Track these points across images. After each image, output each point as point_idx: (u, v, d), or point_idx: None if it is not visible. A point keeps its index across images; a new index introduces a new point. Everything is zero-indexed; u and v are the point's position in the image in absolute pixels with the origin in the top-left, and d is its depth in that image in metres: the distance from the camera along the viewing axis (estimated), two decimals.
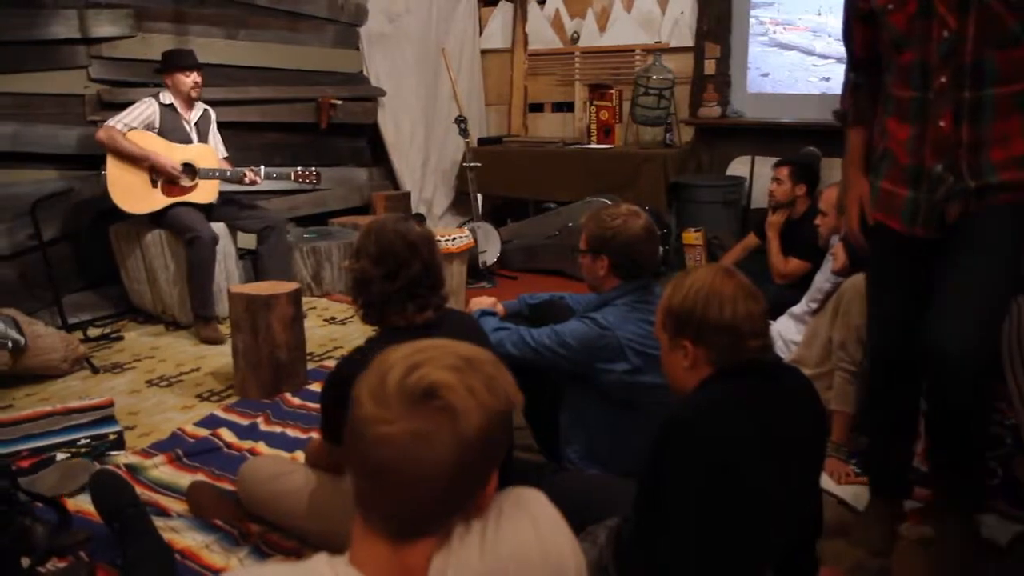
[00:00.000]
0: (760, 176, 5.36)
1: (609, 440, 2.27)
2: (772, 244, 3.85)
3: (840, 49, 4.25)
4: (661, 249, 4.58)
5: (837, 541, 2.20)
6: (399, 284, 1.90)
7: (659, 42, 6.00)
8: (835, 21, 5.25)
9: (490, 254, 5.44)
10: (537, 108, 6.80)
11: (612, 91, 6.00)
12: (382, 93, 5.94)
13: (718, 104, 5.72)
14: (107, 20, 4.37)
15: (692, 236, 5.08)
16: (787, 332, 3.16)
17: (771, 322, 3.19)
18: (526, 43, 6.71)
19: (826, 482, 2.48)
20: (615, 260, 2.28)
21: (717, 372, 1.56)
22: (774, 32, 5.61)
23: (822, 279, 3.06)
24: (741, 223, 5.32)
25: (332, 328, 4.32)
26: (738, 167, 5.66)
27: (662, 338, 1.66)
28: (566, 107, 6.65)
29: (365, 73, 5.93)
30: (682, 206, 5.39)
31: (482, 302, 2.70)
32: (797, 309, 3.18)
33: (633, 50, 6.16)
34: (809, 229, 3.35)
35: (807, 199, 3.85)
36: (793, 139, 5.13)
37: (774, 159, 4.20)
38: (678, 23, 5.91)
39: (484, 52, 6.88)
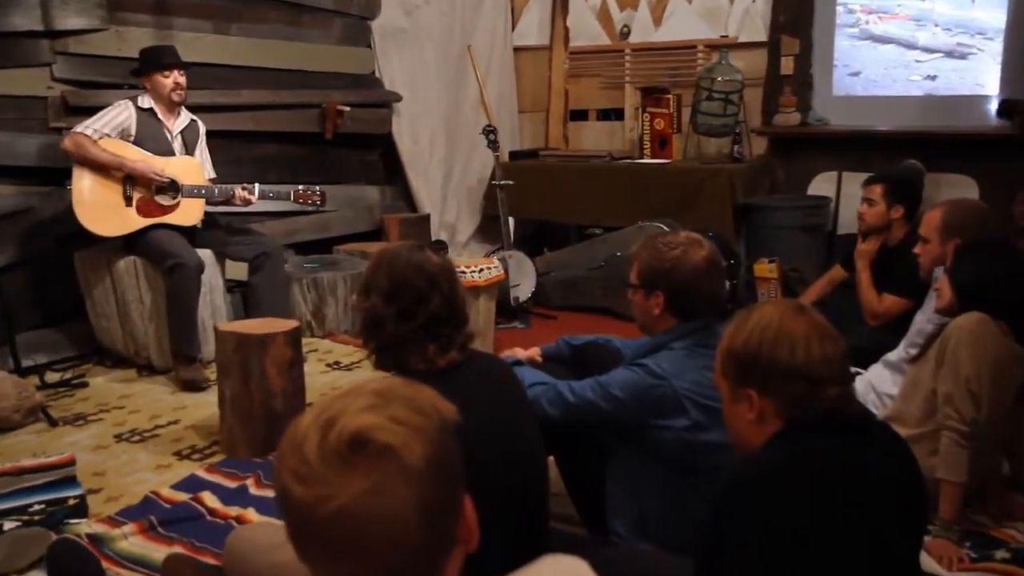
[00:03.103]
0: (848, 196, 5.35)
1: (664, 511, 2.26)
2: (863, 277, 3.83)
3: (950, 41, 4.25)
4: (727, 284, 4.58)
5: None
6: (417, 323, 1.93)
7: (726, 37, 6.05)
8: (943, 7, 5.25)
9: (524, 288, 5.47)
10: (580, 116, 6.87)
11: (669, 96, 6.04)
12: (398, 98, 6.04)
13: (797, 110, 5.74)
14: (75, 10, 4.47)
15: (765, 268, 5.05)
16: (881, 383, 3.12)
17: (861, 371, 3.19)
18: (567, 39, 6.79)
19: (931, 566, 2.44)
20: (672, 297, 2.29)
21: (788, 426, 1.56)
22: (866, 22, 5.63)
23: (923, 320, 3.03)
24: (825, 252, 5.30)
25: (336, 374, 4.35)
26: (821, 185, 5.64)
27: (723, 387, 1.66)
28: (614, 115, 6.70)
29: (378, 75, 6.04)
30: (753, 232, 5.38)
31: (514, 353, 2.72)
32: (893, 356, 3.15)
33: (694, 47, 6.20)
34: (908, 259, 3.33)
35: (906, 223, 3.83)
36: (889, 151, 5.12)
37: (865, 175, 4.19)
38: (749, 14, 5.96)
39: (517, 50, 6.98)
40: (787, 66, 5.80)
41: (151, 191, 4.20)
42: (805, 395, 1.55)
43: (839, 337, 1.60)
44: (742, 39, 5.98)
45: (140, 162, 4.14)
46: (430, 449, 0.99)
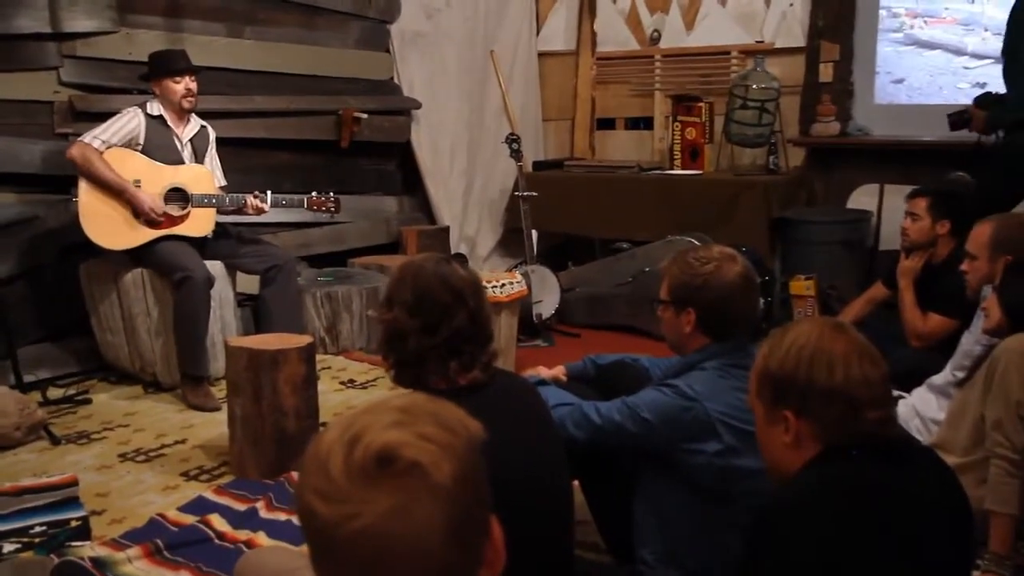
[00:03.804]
0: (891, 210, 5.32)
1: (695, 539, 2.26)
2: (906, 296, 3.81)
3: (999, 47, 4.25)
4: (761, 302, 4.57)
5: None
6: (440, 339, 1.95)
7: (761, 42, 6.05)
8: (993, 11, 5.22)
9: (547, 305, 5.47)
10: (607, 124, 6.88)
11: (701, 104, 6.04)
12: (417, 105, 6.07)
13: (836, 119, 5.72)
14: (83, 12, 4.52)
15: (802, 285, 5.03)
16: (926, 408, 3.11)
17: (904, 395, 3.18)
18: (594, 44, 6.81)
19: None
20: (704, 314, 2.29)
21: (826, 451, 1.56)
22: (911, 26, 5.62)
23: (971, 341, 3.02)
24: (866, 269, 5.27)
25: (350, 393, 4.37)
26: (862, 199, 5.63)
27: (757, 409, 1.67)
28: (643, 123, 6.71)
29: (397, 80, 6.08)
30: (789, 248, 5.36)
31: (538, 372, 2.72)
32: (939, 379, 3.13)
33: (728, 52, 6.21)
34: (954, 277, 3.32)
35: (952, 239, 3.81)
36: (935, 163, 5.09)
37: (909, 188, 4.18)
38: (786, 18, 5.96)
39: (542, 55, 7.01)
40: (826, 73, 5.79)
41: (160, 201, 4.22)
42: (844, 418, 1.55)
43: (880, 358, 1.60)
44: (779, 44, 5.98)
45: (144, 198, 4.15)
46: (458, 467, 1.00)
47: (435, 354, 1.96)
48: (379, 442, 0.99)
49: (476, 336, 1.98)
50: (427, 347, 1.96)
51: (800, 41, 5.89)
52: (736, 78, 5.80)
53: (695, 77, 6.37)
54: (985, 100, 4.48)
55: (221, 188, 4.48)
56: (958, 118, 4.60)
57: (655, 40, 6.57)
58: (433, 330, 1.95)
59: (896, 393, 2.78)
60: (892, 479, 1.53)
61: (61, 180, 4.37)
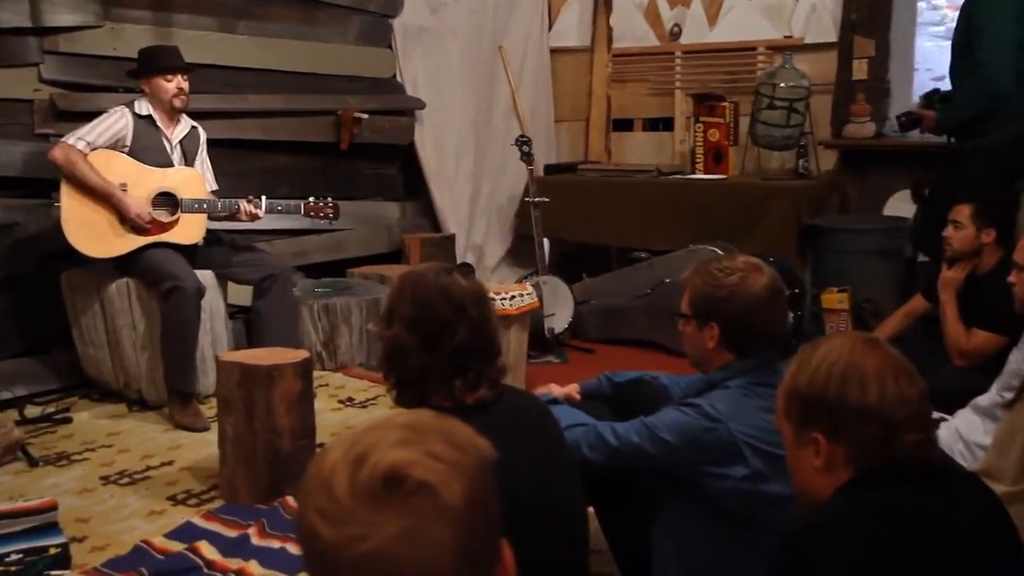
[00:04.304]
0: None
1: (718, 570, 2.25)
2: (948, 310, 3.80)
3: None
4: (790, 316, 4.55)
5: None
6: (442, 355, 1.95)
7: (790, 37, 6.06)
8: None
9: (559, 318, 5.47)
10: (624, 126, 6.90)
11: (725, 103, 6.05)
12: (421, 105, 6.10)
13: (871, 119, 5.72)
14: (66, 5, 4.54)
15: (835, 298, 5.03)
16: (971, 431, 3.09)
17: (947, 417, 3.16)
18: (610, 40, 6.83)
19: None
20: (728, 329, 2.29)
21: (860, 476, 1.55)
22: (952, 20, 5.60)
23: (1020, 359, 3.00)
24: (904, 281, 5.26)
25: (348, 412, 4.37)
26: (899, 205, 5.61)
27: (785, 430, 1.66)
28: (663, 124, 6.72)
29: (399, 78, 6.10)
30: (821, 258, 5.36)
31: (550, 390, 2.72)
32: (984, 400, 3.11)
33: (754, 48, 6.22)
34: (1000, 290, 3.30)
35: (998, 248, 3.80)
36: None
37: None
38: (816, 11, 5.97)
39: (555, 52, 7.03)
40: (860, 70, 5.79)
41: (148, 206, 4.24)
42: (879, 440, 1.54)
43: (917, 376, 1.59)
44: (808, 40, 5.99)
45: (132, 203, 4.15)
46: (469, 487, 1.00)
47: (438, 372, 1.96)
48: (387, 461, 0.99)
49: (481, 352, 1.98)
50: (429, 365, 1.96)
51: (832, 36, 5.90)
52: (763, 76, 5.80)
53: (718, 75, 6.37)
54: (932, 99, 4.55)
55: (212, 192, 4.50)
56: (907, 119, 4.69)
57: (675, 35, 6.58)
58: (434, 346, 1.95)
59: (937, 415, 2.76)
60: (930, 504, 1.52)
61: (42, 183, 4.39)
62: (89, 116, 4.28)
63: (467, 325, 1.97)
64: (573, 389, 2.76)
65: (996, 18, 4.24)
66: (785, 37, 6.08)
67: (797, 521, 1.50)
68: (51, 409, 4.28)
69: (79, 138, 4.14)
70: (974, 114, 4.35)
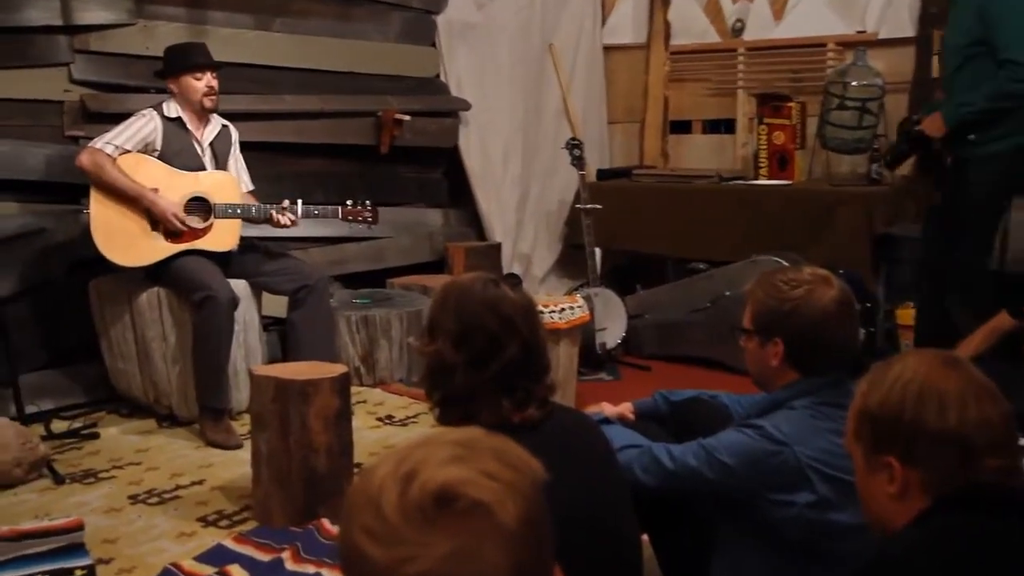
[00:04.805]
0: (1020, 225, 5.23)
1: None
2: None
3: None
4: (861, 331, 4.50)
5: None
6: (490, 373, 1.96)
7: (863, 32, 6.01)
8: None
9: (612, 333, 5.47)
10: (683, 128, 6.88)
11: (791, 104, 6.01)
12: (466, 106, 6.14)
13: None
14: (98, 2, 4.61)
15: (910, 314, 4.98)
16: None
17: None
18: (668, 37, 6.82)
19: None
20: (793, 345, 2.28)
21: (938, 504, 1.54)
22: None
23: None
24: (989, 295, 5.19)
25: (387, 430, 4.40)
26: None
27: (856, 454, 1.65)
28: (724, 127, 6.69)
29: (443, 78, 6.15)
30: (895, 269, 5.31)
31: (602, 409, 2.72)
32: None
33: (824, 44, 6.17)
34: None
35: None
36: None
37: None
38: (892, 4, 5.90)
39: (608, 49, 7.04)
40: (940, 67, 5.73)
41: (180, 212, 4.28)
42: (958, 466, 1.53)
43: (1002, 398, 1.57)
44: (883, 35, 5.93)
45: (164, 203, 4.21)
46: (525, 508, 1.02)
47: (485, 390, 1.97)
48: (438, 479, 1.01)
49: (530, 369, 1.99)
50: (475, 383, 1.97)
51: (909, 30, 5.83)
52: (833, 74, 5.76)
53: (784, 73, 6.34)
54: (908, 128, 4.57)
55: (249, 193, 4.55)
56: (907, 144, 4.66)
57: (738, 31, 6.55)
58: (481, 363, 1.96)
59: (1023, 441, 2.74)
60: (1014, 536, 1.51)
61: (70, 188, 4.45)
62: (120, 118, 4.34)
63: (516, 341, 1.97)
64: (626, 408, 2.77)
65: (1018, 11, 4.17)
66: (858, 32, 6.03)
67: (867, 555, 1.49)
68: (78, 424, 4.33)
69: (107, 142, 4.19)
70: (995, 106, 4.26)
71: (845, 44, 6.05)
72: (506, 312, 1.99)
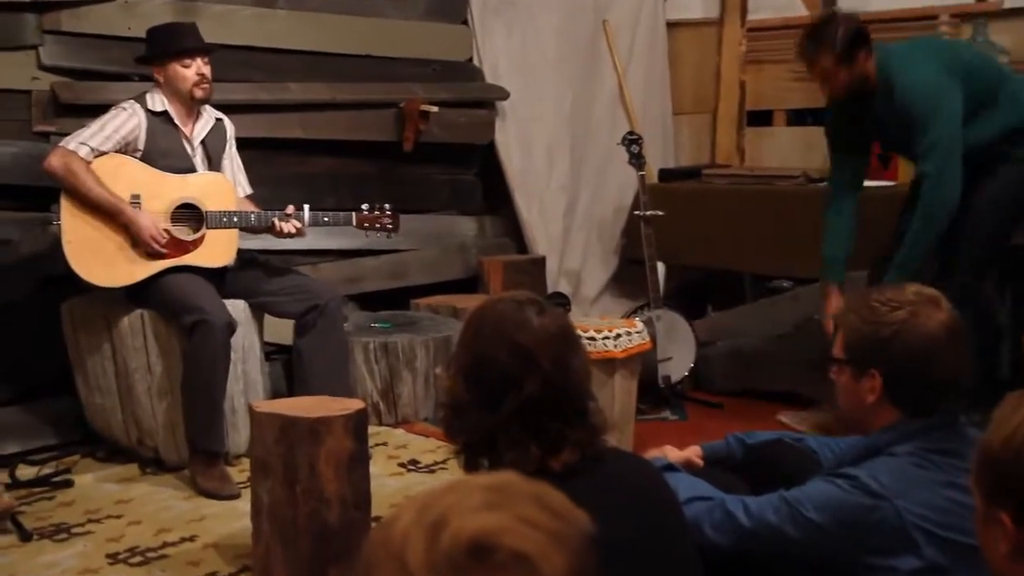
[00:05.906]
0: None
1: None
2: None
3: None
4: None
5: None
6: (505, 414, 1.96)
7: (983, 1, 5.97)
8: None
9: (678, 364, 5.46)
10: (762, 119, 6.87)
11: None
12: (504, 95, 6.14)
13: None
14: None
15: None
16: None
17: None
18: (744, 10, 6.80)
19: None
20: (894, 379, 2.28)
21: None
22: None
23: None
24: None
25: (411, 478, 4.40)
26: None
27: (976, 499, 1.63)
28: (811, 118, 6.66)
29: (477, 62, 6.16)
30: (1023, 288, 5.26)
31: (665, 454, 2.72)
32: None
33: (935, 16, 6.12)
34: None
35: None
36: None
37: None
38: None
39: (673, 26, 7.04)
40: None
41: (165, 223, 4.29)
42: None
43: None
44: (1008, 4, 5.88)
45: (145, 221, 4.19)
46: (572, 561, 1.02)
47: (505, 433, 1.97)
48: (471, 527, 1.01)
49: (560, 409, 1.98)
50: (493, 425, 1.98)
51: None
52: None
53: None
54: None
55: (246, 199, 4.57)
56: None
57: (830, 2, 6.53)
58: (495, 404, 1.97)
59: None
60: None
61: (39, 193, 4.47)
62: (97, 110, 4.35)
63: (537, 379, 1.96)
64: (694, 453, 2.76)
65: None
66: (977, 1, 5.99)
67: None
68: (48, 470, 4.33)
69: (81, 143, 4.17)
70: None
71: (962, 15, 6.00)
72: (523, 342, 1.99)
